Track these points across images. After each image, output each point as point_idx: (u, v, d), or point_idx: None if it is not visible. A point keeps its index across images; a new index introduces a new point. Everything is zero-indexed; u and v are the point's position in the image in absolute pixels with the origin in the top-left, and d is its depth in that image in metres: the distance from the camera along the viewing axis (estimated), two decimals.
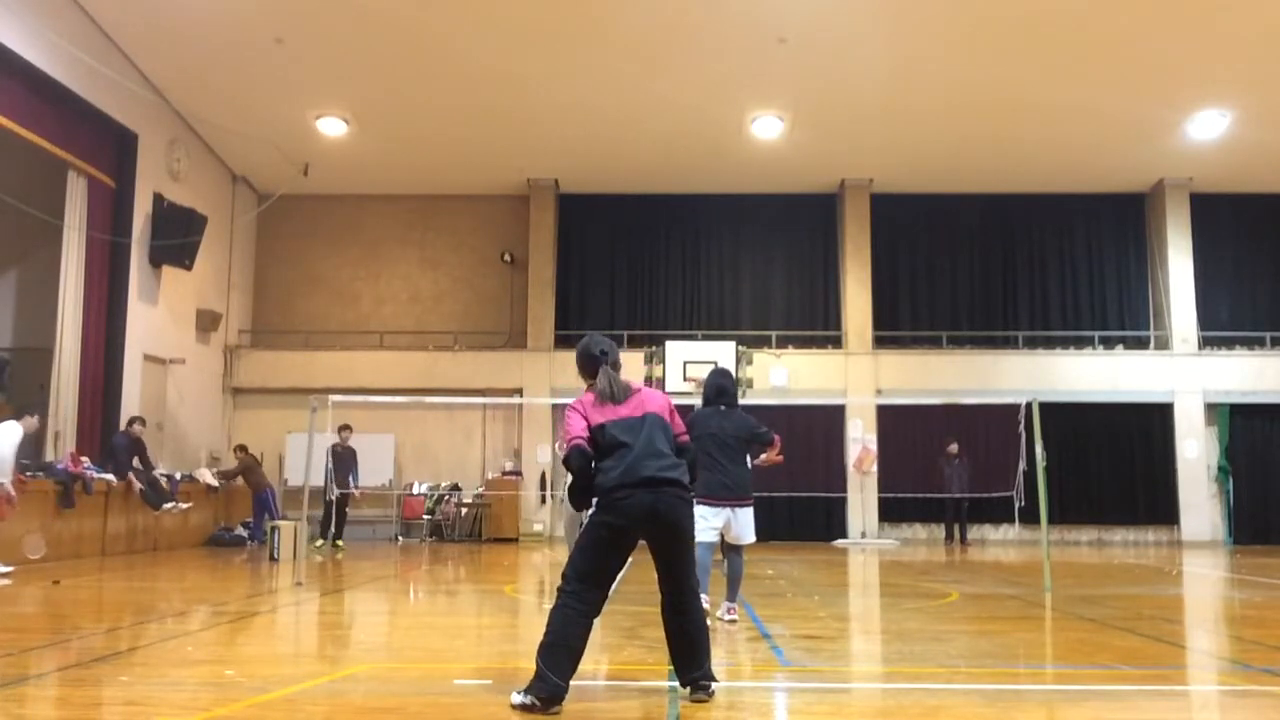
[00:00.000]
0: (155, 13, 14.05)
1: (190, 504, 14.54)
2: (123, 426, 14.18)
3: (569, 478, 4.62)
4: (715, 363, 16.89)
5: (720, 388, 7.16)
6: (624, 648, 5.93)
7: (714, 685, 4.45)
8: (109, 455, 13.65)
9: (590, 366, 4.70)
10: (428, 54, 14.97)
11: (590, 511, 4.55)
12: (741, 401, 7.60)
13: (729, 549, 7.24)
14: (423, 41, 14.61)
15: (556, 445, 4.08)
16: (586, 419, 4.52)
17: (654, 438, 4.49)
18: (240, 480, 16.06)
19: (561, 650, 4.23)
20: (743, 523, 6.97)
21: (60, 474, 12.30)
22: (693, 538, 4.58)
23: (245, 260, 19.24)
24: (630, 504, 4.35)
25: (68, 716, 4.19)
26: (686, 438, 4.72)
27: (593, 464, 4.48)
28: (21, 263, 16.09)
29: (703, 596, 6.51)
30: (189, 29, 14.29)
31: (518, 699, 4.18)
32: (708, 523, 6.84)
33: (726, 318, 19.22)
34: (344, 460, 15.04)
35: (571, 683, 4.22)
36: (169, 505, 13.97)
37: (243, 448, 16.23)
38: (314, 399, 9.98)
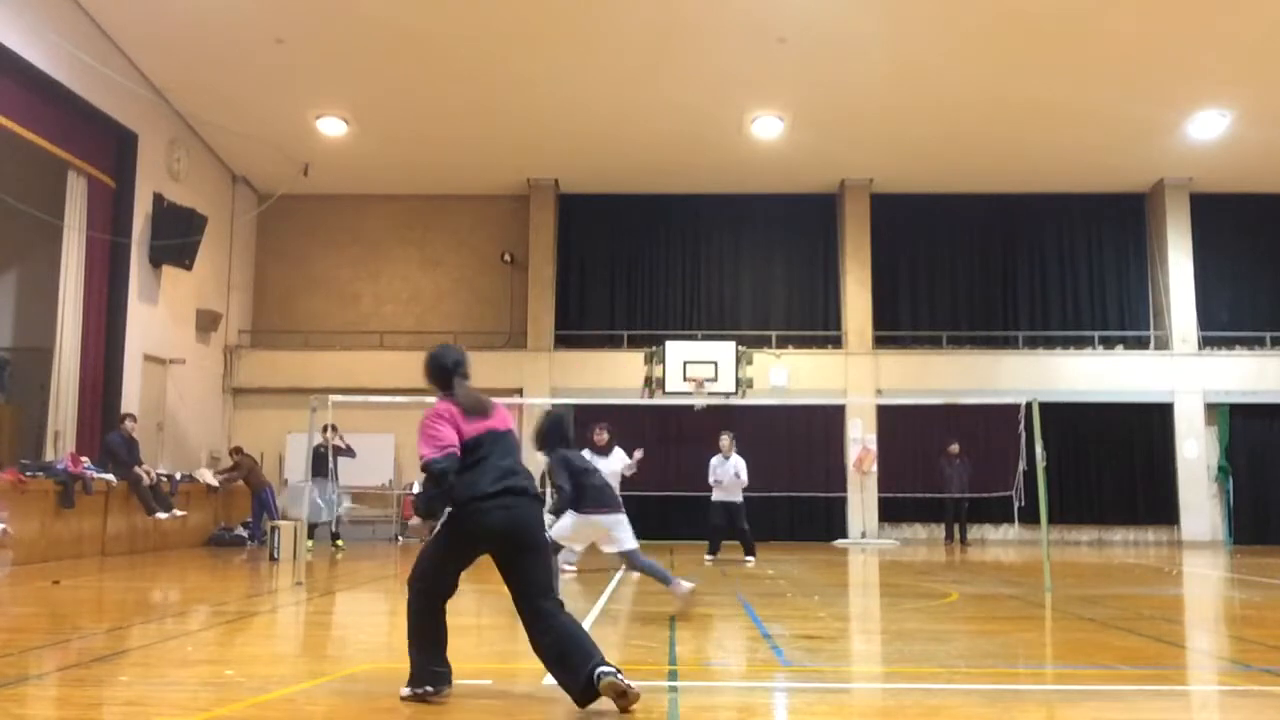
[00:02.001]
0: (155, 13, 14.05)
1: (186, 513, 14.24)
2: (120, 424, 14.11)
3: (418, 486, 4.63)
4: (715, 364, 16.98)
5: (565, 432, 7.87)
6: (623, 648, 5.93)
7: (621, 673, 4.08)
8: (106, 454, 13.57)
9: (443, 378, 4.70)
10: (428, 54, 14.96)
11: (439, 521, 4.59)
12: (742, 402, 8.35)
13: (627, 561, 8.15)
14: (423, 41, 14.60)
15: (420, 451, 4.17)
16: (458, 429, 4.48)
17: (513, 451, 4.57)
18: (240, 480, 16.02)
19: (428, 641, 4.41)
20: (623, 530, 7.95)
21: (60, 474, 12.27)
22: (544, 546, 4.54)
23: (245, 260, 19.24)
24: (488, 517, 4.35)
25: (68, 716, 4.18)
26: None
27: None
28: (21, 263, 16.08)
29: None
30: (189, 29, 14.28)
31: (406, 692, 4.34)
32: (574, 532, 8.07)
33: (726, 318, 19.22)
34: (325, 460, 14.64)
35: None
36: (164, 515, 13.64)
37: (239, 449, 16.20)
38: (314, 399, 9.98)
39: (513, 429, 4.70)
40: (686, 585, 7.68)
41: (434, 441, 4.45)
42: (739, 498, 13.18)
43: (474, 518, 4.36)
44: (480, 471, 4.41)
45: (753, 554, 12.89)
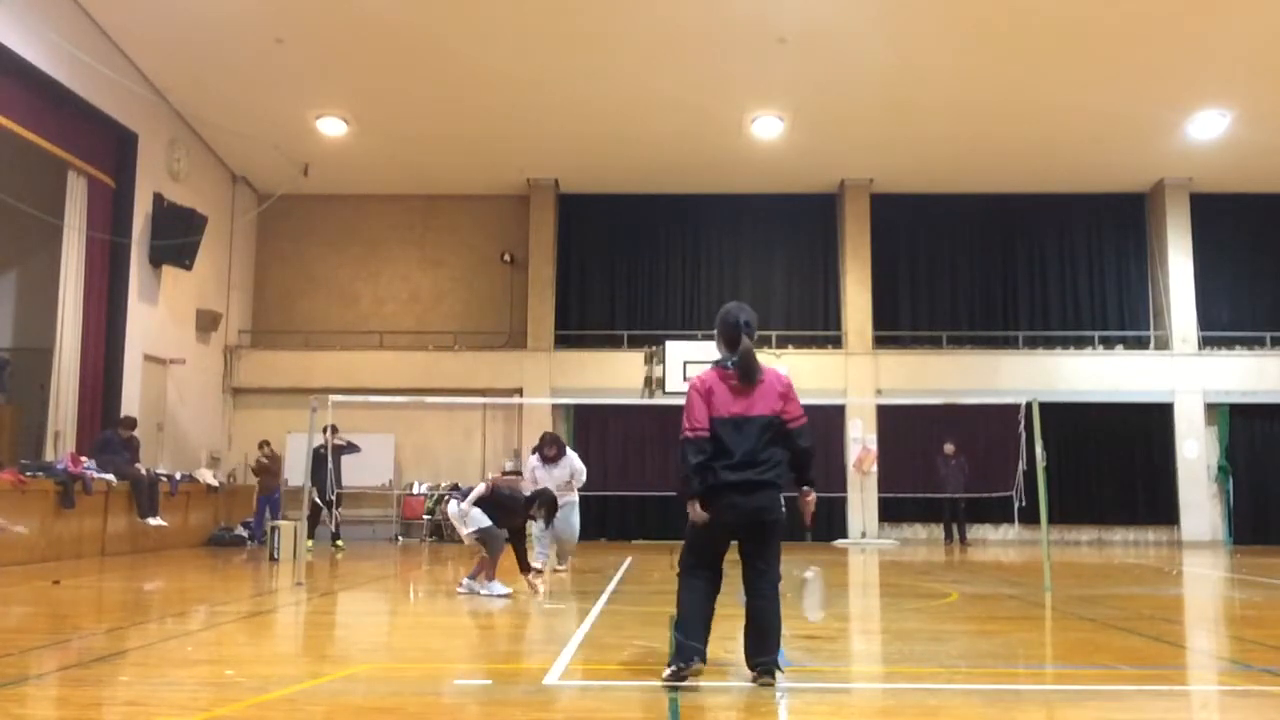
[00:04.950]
0: (155, 13, 14.05)
1: (168, 524, 13.98)
2: (121, 426, 14.07)
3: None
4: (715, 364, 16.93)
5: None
6: (624, 648, 5.92)
7: (777, 674, 4.67)
8: (106, 452, 13.46)
9: (732, 335, 4.84)
10: (428, 54, 14.96)
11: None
12: None
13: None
14: (423, 41, 14.61)
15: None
16: (708, 406, 4.73)
17: (756, 444, 4.73)
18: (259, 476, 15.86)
19: (695, 621, 4.76)
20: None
21: (60, 474, 12.27)
22: (778, 533, 4.88)
23: (245, 260, 19.24)
24: (725, 506, 4.72)
25: (68, 716, 4.18)
26: (803, 419, 4.93)
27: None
28: (21, 263, 16.09)
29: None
30: (189, 29, 14.28)
31: (666, 672, 4.60)
32: None
33: None
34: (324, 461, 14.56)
35: (570, 682, 4.24)
36: (153, 522, 13.57)
37: (267, 443, 15.98)
38: (314, 399, 9.97)
39: (764, 415, 4.78)
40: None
41: (688, 418, 4.75)
42: None
43: (710, 507, 4.72)
44: (720, 463, 4.70)
45: None
